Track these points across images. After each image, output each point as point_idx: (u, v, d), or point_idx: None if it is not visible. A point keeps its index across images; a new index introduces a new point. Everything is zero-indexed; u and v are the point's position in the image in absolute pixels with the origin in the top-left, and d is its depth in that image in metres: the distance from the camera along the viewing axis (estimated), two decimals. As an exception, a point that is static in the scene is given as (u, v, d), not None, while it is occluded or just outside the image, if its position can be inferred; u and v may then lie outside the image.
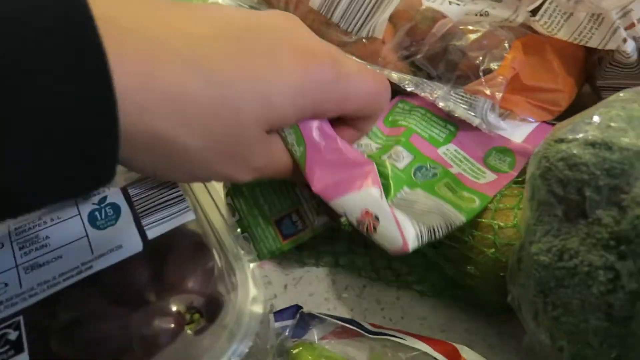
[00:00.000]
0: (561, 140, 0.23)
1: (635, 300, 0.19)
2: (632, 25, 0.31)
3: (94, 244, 0.23)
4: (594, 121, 0.22)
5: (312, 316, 0.29)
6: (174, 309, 0.21)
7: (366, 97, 0.26)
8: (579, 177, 0.21)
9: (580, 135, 0.22)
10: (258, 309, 0.22)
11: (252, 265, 0.24)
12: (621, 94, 0.23)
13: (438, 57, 0.33)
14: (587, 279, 0.20)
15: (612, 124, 0.22)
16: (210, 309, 0.21)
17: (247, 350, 0.20)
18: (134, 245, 0.23)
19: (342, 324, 0.29)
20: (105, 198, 0.24)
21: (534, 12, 0.32)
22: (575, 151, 0.22)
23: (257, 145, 0.23)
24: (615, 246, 0.20)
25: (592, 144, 0.21)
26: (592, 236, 0.21)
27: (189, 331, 0.21)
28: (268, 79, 0.21)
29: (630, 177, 0.20)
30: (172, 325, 0.21)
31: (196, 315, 0.21)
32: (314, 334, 0.29)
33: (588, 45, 0.32)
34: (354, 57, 0.36)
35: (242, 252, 0.23)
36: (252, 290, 0.22)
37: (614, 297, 0.20)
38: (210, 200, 0.26)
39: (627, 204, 0.20)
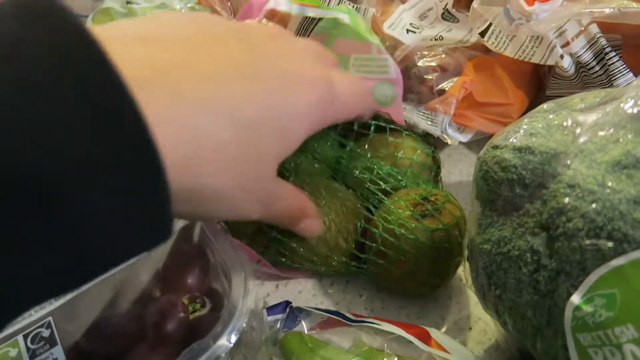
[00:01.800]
0: (496, 147, 0.27)
1: (556, 276, 0.23)
2: (568, 43, 0.35)
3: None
4: (521, 130, 0.27)
5: (300, 310, 0.33)
6: (179, 300, 0.25)
7: (355, 108, 0.29)
8: (510, 177, 0.26)
9: (510, 142, 0.26)
10: (249, 302, 0.26)
11: (245, 265, 0.28)
12: (544, 106, 0.28)
13: (400, 79, 0.38)
14: (518, 261, 0.25)
15: (535, 132, 0.26)
16: (210, 301, 0.25)
17: (238, 335, 0.24)
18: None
19: (328, 315, 0.33)
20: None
21: (482, 34, 0.37)
22: (506, 155, 0.26)
23: (272, 180, 0.24)
24: (539, 233, 0.24)
25: (519, 149, 0.26)
26: (522, 225, 0.25)
27: (191, 317, 0.25)
28: (282, 113, 0.22)
29: (549, 175, 0.25)
30: (180, 314, 0.25)
31: (197, 306, 0.26)
32: (303, 326, 0.33)
33: (531, 61, 0.37)
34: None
35: (238, 254, 0.27)
36: (244, 286, 0.26)
37: (539, 275, 0.24)
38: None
39: (547, 197, 0.24)
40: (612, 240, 0.21)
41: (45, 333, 0.25)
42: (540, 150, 0.25)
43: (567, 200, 0.23)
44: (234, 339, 0.23)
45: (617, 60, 0.35)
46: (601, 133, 0.24)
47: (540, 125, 0.26)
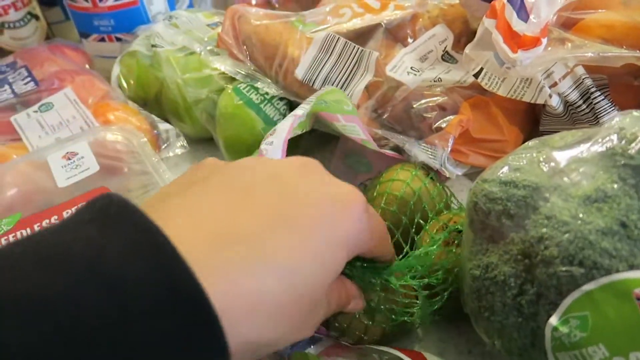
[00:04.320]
0: (485, 180, 0.30)
1: (537, 300, 0.26)
2: (555, 84, 0.38)
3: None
4: (507, 165, 0.29)
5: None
6: None
7: (380, 235, 0.29)
8: (497, 208, 0.28)
9: (497, 176, 0.29)
10: None
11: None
12: (529, 143, 0.31)
13: (400, 117, 0.41)
14: (503, 285, 0.27)
15: (519, 167, 0.29)
16: None
17: None
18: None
19: (335, 341, 0.35)
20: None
21: (476, 75, 0.40)
22: (493, 189, 0.29)
23: (324, 303, 0.25)
24: (522, 259, 0.27)
25: (505, 183, 0.28)
26: (507, 252, 0.27)
27: None
28: (323, 250, 0.23)
29: (531, 207, 0.27)
30: None
31: None
32: (312, 350, 0.35)
33: (523, 100, 0.39)
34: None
35: None
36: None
37: (522, 299, 0.26)
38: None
39: (528, 227, 0.27)
40: (583, 267, 0.23)
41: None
42: (523, 185, 0.28)
43: (544, 230, 0.25)
44: None
45: (603, 99, 0.37)
46: (576, 170, 0.26)
47: (524, 161, 0.29)
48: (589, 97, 0.38)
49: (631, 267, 0.22)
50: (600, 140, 0.26)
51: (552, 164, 0.27)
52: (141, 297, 0.17)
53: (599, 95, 0.37)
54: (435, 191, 0.38)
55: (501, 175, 0.29)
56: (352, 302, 0.30)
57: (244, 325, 0.19)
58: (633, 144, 0.24)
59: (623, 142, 0.25)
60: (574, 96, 0.38)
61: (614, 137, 0.25)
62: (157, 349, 0.17)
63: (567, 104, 0.39)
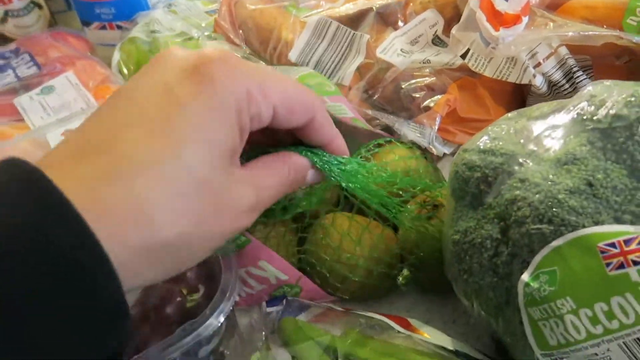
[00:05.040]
0: (465, 150, 0.31)
1: (511, 260, 0.27)
2: (539, 64, 0.39)
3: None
4: (486, 135, 0.30)
5: (298, 302, 0.37)
6: (176, 287, 0.29)
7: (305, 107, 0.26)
8: (476, 175, 0.29)
9: (476, 145, 0.30)
10: (236, 286, 0.30)
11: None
12: (509, 114, 0.32)
13: (390, 97, 0.42)
14: (480, 247, 0.28)
15: (497, 137, 0.30)
16: (205, 288, 0.30)
17: (226, 315, 0.28)
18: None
19: (324, 307, 0.36)
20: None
21: (463, 57, 0.41)
22: (472, 157, 0.30)
23: (232, 182, 0.23)
24: (498, 222, 0.28)
25: (483, 152, 0.30)
26: (485, 217, 0.29)
27: (188, 304, 0.29)
28: (200, 122, 0.22)
29: (507, 173, 0.28)
30: (178, 299, 0.29)
31: (193, 295, 0.30)
32: (302, 317, 0.37)
33: (509, 80, 0.41)
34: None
35: (228, 244, 0.31)
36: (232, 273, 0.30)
37: (498, 260, 0.27)
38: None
39: (504, 191, 0.28)
40: (552, 224, 0.24)
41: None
42: (501, 152, 0.29)
43: (517, 192, 0.26)
44: (222, 318, 0.27)
45: (585, 79, 0.39)
46: (549, 136, 0.28)
47: (502, 131, 0.30)
48: (572, 77, 0.39)
49: (596, 223, 0.23)
50: (572, 107, 0.27)
51: (527, 132, 0.29)
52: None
53: (581, 75, 0.38)
54: (426, 168, 0.39)
55: (480, 144, 0.30)
56: (308, 175, 0.28)
57: (129, 228, 0.19)
58: (601, 109, 0.25)
59: (592, 108, 0.26)
60: (557, 76, 0.39)
61: (585, 104, 0.27)
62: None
63: (551, 84, 0.40)
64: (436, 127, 0.41)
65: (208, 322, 0.27)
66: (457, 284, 0.31)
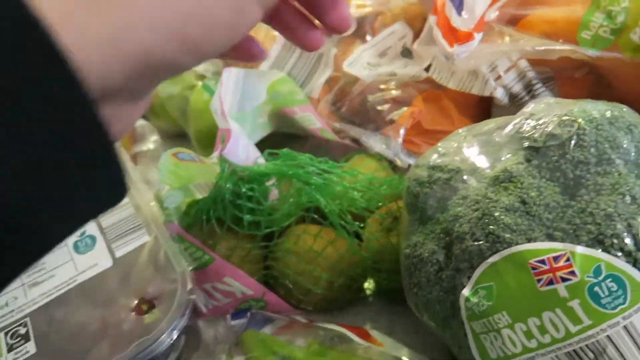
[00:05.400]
0: (417, 166, 0.32)
1: (454, 274, 0.28)
2: (500, 77, 0.40)
3: (77, 264, 0.33)
4: (436, 151, 0.31)
5: (262, 315, 0.38)
6: (135, 304, 0.30)
7: None
8: (425, 191, 0.30)
9: (426, 161, 0.31)
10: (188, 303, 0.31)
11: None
12: (460, 130, 0.32)
13: (357, 110, 0.43)
14: (428, 262, 0.29)
15: (445, 152, 0.31)
16: (163, 305, 0.31)
17: (179, 332, 0.29)
18: (106, 262, 0.33)
19: (286, 320, 0.37)
20: (84, 232, 0.35)
21: (427, 69, 0.42)
22: (422, 173, 0.31)
23: None
24: (443, 237, 0.28)
25: (432, 168, 0.30)
26: (433, 232, 0.29)
27: (146, 321, 0.30)
28: None
29: (453, 189, 0.29)
30: (134, 315, 0.30)
31: (154, 311, 0.31)
32: (267, 330, 0.37)
33: (472, 92, 0.41)
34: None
35: (186, 264, 0.33)
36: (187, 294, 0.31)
37: (443, 274, 0.28)
38: (163, 227, 0.36)
39: (450, 208, 0.29)
40: (488, 241, 0.25)
41: (22, 331, 0.30)
42: (448, 169, 0.30)
43: (459, 209, 0.27)
44: (175, 335, 0.28)
45: (544, 91, 0.39)
46: (491, 153, 0.28)
47: (451, 147, 0.31)
48: (532, 89, 0.40)
49: (528, 240, 0.24)
50: (513, 125, 0.28)
51: (473, 148, 0.29)
52: None
53: (540, 87, 0.39)
54: (392, 180, 0.40)
55: (430, 160, 0.31)
56: None
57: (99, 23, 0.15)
58: (537, 128, 0.26)
59: (530, 126, 0.27)
60: (517, 88, 0.40)
61: (524, 122, 0.27)
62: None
63: (512, 96, 0.41)
64: (400, 139, 0.41)
65: (161, 338, 0.28)
66: (409, 296, 0.31)
